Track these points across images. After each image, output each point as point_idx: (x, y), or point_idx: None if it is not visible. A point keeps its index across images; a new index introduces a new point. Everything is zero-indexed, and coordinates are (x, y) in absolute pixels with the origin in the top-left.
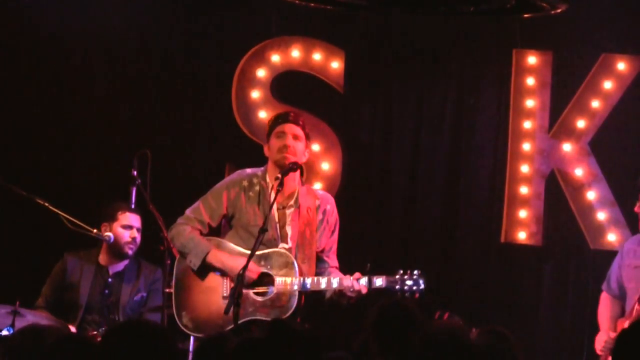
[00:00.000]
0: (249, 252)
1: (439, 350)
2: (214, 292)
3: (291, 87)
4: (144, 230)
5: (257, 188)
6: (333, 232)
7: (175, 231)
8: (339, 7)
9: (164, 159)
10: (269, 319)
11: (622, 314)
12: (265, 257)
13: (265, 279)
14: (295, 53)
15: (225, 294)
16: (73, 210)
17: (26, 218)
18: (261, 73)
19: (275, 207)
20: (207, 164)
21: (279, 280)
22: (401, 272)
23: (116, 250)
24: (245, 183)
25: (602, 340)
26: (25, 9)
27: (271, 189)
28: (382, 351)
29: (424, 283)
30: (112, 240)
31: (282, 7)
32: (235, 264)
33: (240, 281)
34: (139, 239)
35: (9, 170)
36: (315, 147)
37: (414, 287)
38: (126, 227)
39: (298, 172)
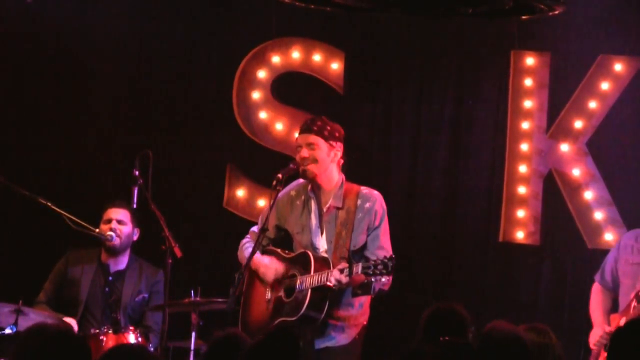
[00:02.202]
0: (287, 256)
1: (499, 353)
2: (261, 298)
3: (291, 88)
4: (146, 230)
5: (303, 197)
6: (375, 228)
7: (239, 247)
8: (339, 8)
9: (166, 159)
10: (287, 318)
11: (614, 307)
12: (294, 259)
13: (293, 281)
14: (296, 54)
15: (268, 297)
16: (75, 210)
17: (29, 218)
18: (262, 74)
19: (316, 210)
20: (208, 164)
21: (299, 280)
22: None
23: (104, 247)
24: (293, 193)
25: (597, 334)
26: (27, 9)
27: (273, 188)
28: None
29: (391, 267)
30: (113, 239)
31: (282, 8)
32: (268, 269)
33: (240, 280)
34: (123, 230)
35: (12, 171)
36: None
37: (384, 271)
38: (105, 222)
39: (331, 173)
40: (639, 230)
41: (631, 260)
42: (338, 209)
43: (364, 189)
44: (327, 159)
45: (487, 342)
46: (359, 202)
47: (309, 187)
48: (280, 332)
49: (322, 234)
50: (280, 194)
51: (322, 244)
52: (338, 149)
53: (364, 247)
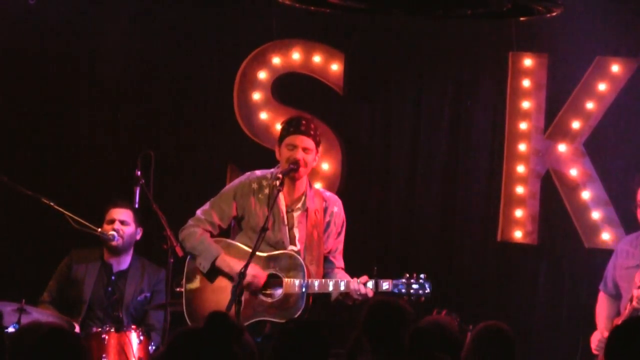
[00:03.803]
0: (264, 254)
1: (425, 343)
2: (224, 292)
3: (292, 89)
4: (147, 229)
5: (267, 191)
6: (339, 233)
7: (186, 233)
8: (339, 10)
9: (167, 160)
10: (276, 320)
11: (618, 313)
12: (274, 258)
13: (274, 281)
14: (296, 55)
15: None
16: (78, 210)
17: (32, 218)
18: (262, 75)
19: (284, 209)
20: (209, 165)
21: (287, 281)
22: (407, 275)
23: (107, 246)
24: (254, 186)
25: (596, 339)
26: (29, 11)
27: (273, 190)
28: (374, 349)
29: (430, 287)
30: (116, 238)
31: (282, 10)
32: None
33: (241, 279)
34: (125, 231)
35: (15, 171)
36: None
37: (420, 291)
38: (109, 222)
39: (307, 175)
40: (635, 235)
41: (625, 265)
42: (308, 210)
43: (326, 192)
44: (312, 165)
45: (416, 335)
46: (324, 204)
47: (277, 183)
48: (217, 319)
49: (291, 232)
50: (237, 183)
51: (295, 243)
52: (319, 155)
53: (330, 250)
